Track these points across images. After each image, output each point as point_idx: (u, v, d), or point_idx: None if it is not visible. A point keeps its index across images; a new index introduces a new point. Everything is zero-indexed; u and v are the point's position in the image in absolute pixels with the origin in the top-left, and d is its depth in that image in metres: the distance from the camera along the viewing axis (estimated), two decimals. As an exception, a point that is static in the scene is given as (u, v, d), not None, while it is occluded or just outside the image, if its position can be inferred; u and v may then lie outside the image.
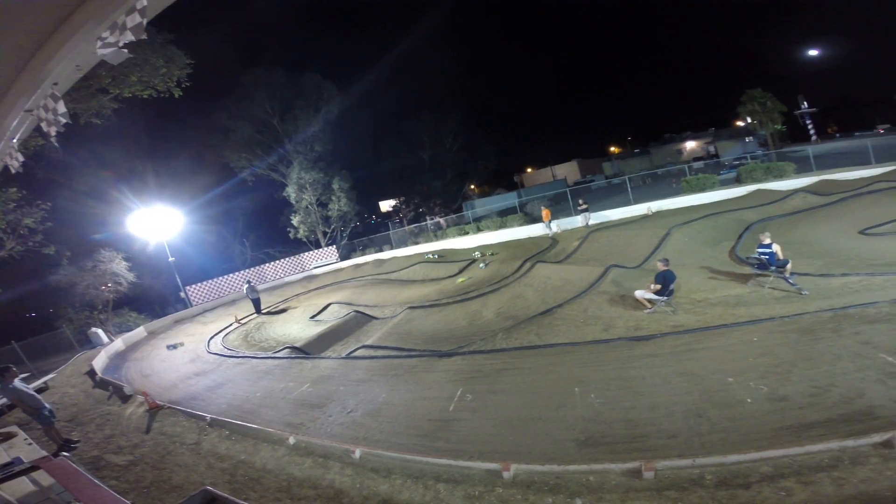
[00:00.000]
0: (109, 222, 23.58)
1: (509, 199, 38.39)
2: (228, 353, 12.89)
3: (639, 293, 8.86)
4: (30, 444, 6.69)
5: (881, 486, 3.32)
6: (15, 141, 3.02)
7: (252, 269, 27.93)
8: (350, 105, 34.62)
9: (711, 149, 49.50)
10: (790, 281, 8.42)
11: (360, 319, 14.35)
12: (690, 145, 54.95)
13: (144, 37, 1.97)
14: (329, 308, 17.25)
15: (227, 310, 21.20)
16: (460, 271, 18.75)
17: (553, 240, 19.16)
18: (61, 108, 2.43)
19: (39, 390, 10.70)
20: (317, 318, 16.37)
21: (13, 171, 3.40)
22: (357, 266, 27.51)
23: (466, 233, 25.80)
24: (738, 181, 19.34)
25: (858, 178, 15.86)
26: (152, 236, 22.86)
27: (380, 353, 10.21)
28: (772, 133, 37.31)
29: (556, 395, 6.02)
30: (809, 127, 37.13)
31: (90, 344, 17.26)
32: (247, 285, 19.63)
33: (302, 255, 30.09)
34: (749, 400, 4.88)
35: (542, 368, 7.03)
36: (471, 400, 6.50)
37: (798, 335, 6.04)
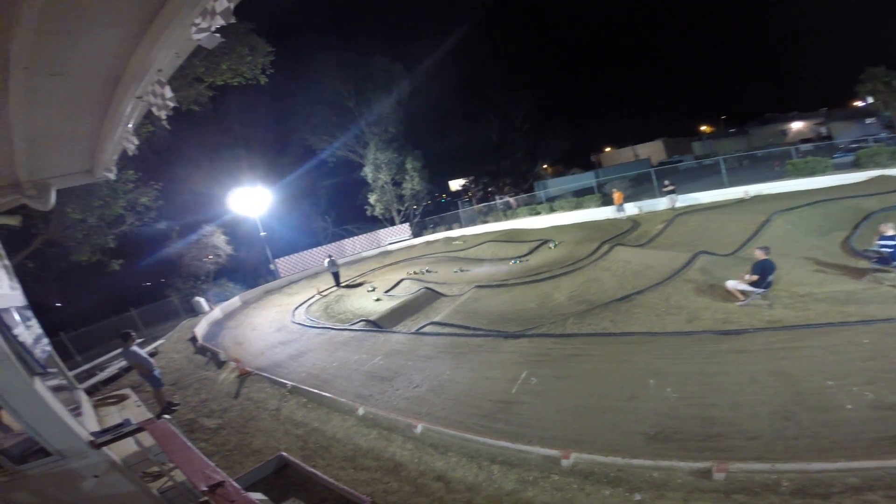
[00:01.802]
0: (210, 199, 26.18)
1: (586, 178, 36.67)
2: (310, 323, 13.85)
3: (731, 283, 8.15)
4: (139, 405, 7.42)
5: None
6: (130, 126, 3.44)
7: (333, 244, 29.63)
8: (419, 85, 34.95)
9: (823, 130, 43.44)
10: (919, 278, 7.24)
11: (429, 296, 14.69)
12: (797, 126, 48.59)
13: (233, 20, 2.13)
14: (401, 283, 17.83)
15: (311, 282, 22.72)
16: (530, 252, 18.41)
17: (634, 222, 18.09)
18: (168, 92, 2.72)
19: (151, 355, 12.23)
20: (390, 292, 17.02)
21: (130, 153, 3.88)
22: (428, 243, 28.12)
23: (538, 213, 25.18)
24: (857, 166, 16.81)
25: None
26: (246, 212, 25.02)
27: (446, 330, 10.39)
28: (896, 114, 31.93)
29: (629, 385, 5.78)
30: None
31: (194, 312, 19.36)
32: (328, 259, 20.90)
33: (378, 231, 31.36)
34: (849, 406, 4.39)
35: (616, 357, 6.75)
36: (535, 384, 6.43)
37: (923, 341, 5.21)
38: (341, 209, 37.64)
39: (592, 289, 11.30)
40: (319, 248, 28.13)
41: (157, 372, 8.16)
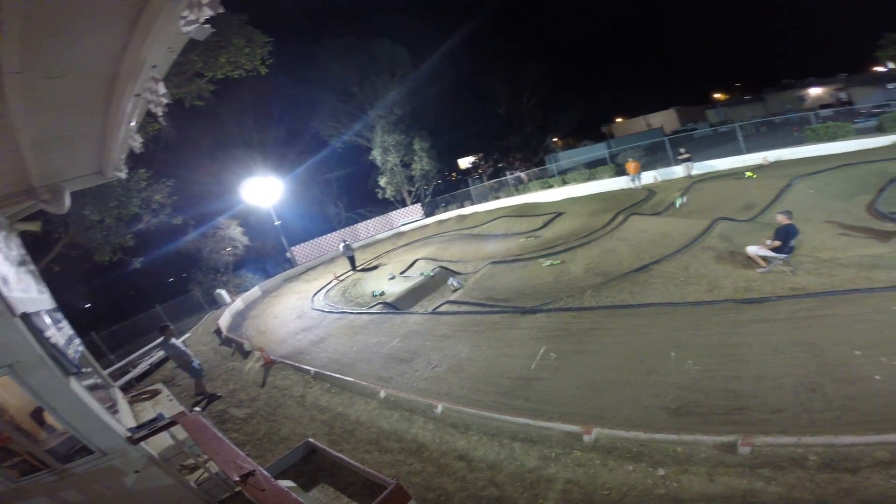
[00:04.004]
0: (224, 192, 26.38)
1: (598, 149, 35.85)
2: (329, 309, 14.02)
3: (752, 249, 7.95)
4: (171, 400, 7.62)
5: None
6: (133, 124, 3.43)
7: (347, 228, 29.81)
8: (423, 65, 34.45)
9: (843, 95, 41.88)
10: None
11: (444, 275, 14.72)
12: (815, 92, 46.77)
13: (221, 10, 2.09)
14: (416, 264, 17.88)
15: (327, 267, 22.94)
16: (544, 225, 18.19)
17: (649, 191, 17.71)
18: (161, 89, 2.71)
19: (183, 348, 12.60)
20: (405, 273, 17.09)
21: (136, 151, 3.90)
22: (440, 222, 28.06)
23: (550, 186, 24.85)
24: (880, 130, 16.20)
25: None
26: (260, 202, 25.20)
27: (463, 308, 10.38)
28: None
29: (649, 358, 5.73)
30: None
31: (216, 304, 19.72)
32: (343, 244, 21.04)
33: (390, 213, 31.45)
34: (877, 377, 4.25)
35: (635, 330, 6.67)
36: (554, 359, 6.41)
37: (955, 305, 4.98)
38: (353, 194, 37.68)
39: (609, 260, 11.11)
40: (334, 233, 28.32)
41: (195, 362, 8.42)
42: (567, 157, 38.06)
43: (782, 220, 7.66)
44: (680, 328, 6.31)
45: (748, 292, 7.05)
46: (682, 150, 18.66)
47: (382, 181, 32.05)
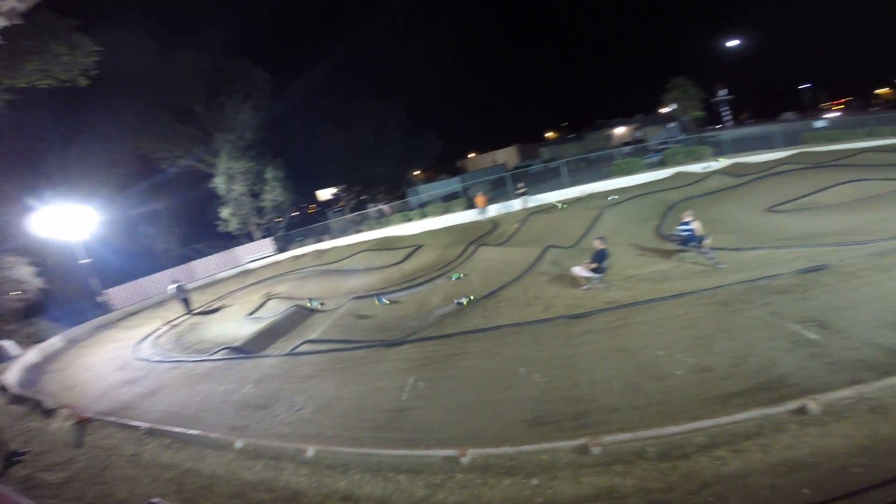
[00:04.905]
0: (9, 222, 20.74)
1: (453, 184, 38.48)
2: (159, 358, 12.02)
3: (576, 269, 9.24)
4: None
5: (803, 453, 3.46)
6: None
7: (180, 267, 25.92)
8: (285, 90, 32.97)
9: (639, 134, 52.11)
10: (708, 255, 9.17)
11: (301, 313, 13.92)
12: (620, 131, 57.78)
13: (18, 21, 1.74)
14: (267, 304, 16.57)
15: (156, 311, 19.65)
16: (405, 258, 18.64)
17: (494, 223, 19.57)
18: None
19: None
20: (255, 315, 15.66)
21: None
22: (296, 258, 26.53)
23: (410, 219, 25.67)
24: (662, 164, 20.72)
25: (766, 160, 17.59)
26: (63, 237, 20.43)
27: (325, 347, 9.95)
28: (691, 119, 40.56)
29: (504, 376, 6.15)
30: (725, 113, 40.38)
31: (-1, 358, 15.33)
32: (174, 285, 18.26)
33: (234, 249, 28.47)
34: (679, 372, 5.15)
35: (489, 351, 7.15)
36: (423, 388, 6.49)
37: (717, 307, 6.47)
38: (188, 226, 33.20)
39: (463, 288, 11.89)
40: (163, 272, 24.37)
41: None
42: (427, 191, 39.81)
43: (597, 244, 9.17)
44: (526, 345, 6.98)
45: (576, 308, 8.15)
46: (519, 185, 21.18)
47: (226, 212, 28.88)
